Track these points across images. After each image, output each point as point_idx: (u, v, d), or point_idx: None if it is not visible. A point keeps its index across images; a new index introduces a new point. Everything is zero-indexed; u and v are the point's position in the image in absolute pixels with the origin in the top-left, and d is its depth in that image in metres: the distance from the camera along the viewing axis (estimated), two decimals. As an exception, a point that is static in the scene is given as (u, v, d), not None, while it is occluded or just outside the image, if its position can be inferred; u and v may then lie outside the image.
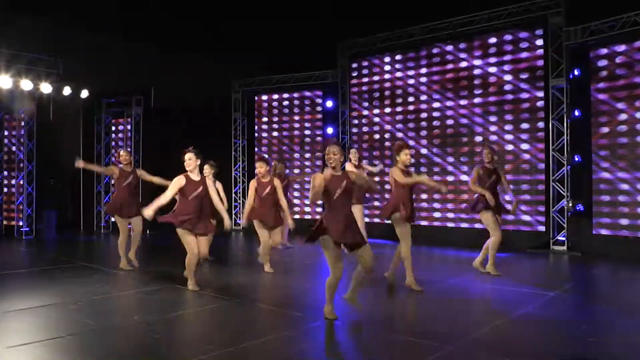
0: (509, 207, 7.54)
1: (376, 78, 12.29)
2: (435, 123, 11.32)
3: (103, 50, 12.58)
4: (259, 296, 6.01)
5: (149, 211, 5.71)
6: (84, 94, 11.71)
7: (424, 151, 11.45)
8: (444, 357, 3.94)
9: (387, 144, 12.00)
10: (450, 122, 11.11)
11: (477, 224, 10.43)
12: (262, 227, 7.31)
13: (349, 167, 8.26)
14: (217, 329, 4.80)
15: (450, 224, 11.08)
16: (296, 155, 13.48)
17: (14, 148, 12.23)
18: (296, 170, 13.41)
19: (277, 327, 4.85)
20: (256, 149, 14.07)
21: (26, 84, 10.55)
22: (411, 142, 11.59)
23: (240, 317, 5.24)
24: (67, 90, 11.29)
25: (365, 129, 12.44)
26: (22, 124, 12.04)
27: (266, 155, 13.70)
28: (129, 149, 8.30)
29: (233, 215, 14.12)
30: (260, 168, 7.27)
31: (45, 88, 10.89)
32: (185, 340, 4.47)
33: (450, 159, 11.07)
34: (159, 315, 5.31)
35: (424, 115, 11.49)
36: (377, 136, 12.19)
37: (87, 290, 6.29)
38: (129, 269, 7.56)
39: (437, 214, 11.25)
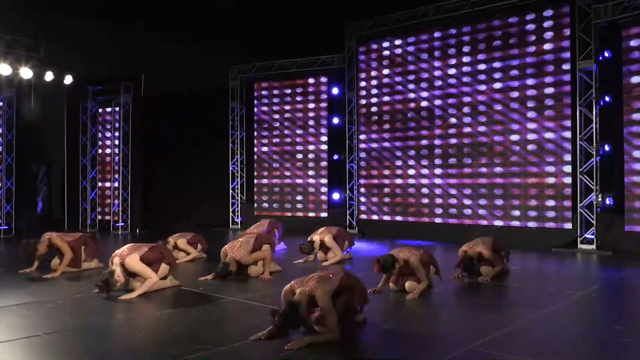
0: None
1: (386, 62, 12.17)
2: (451, 111, 11.18)
3: (88, 33, 12.54)
4: (252, 295, 5.98)
5: None
6: (68, 80, 11.62)
7: (437, 142, 11.32)
8: (466, 356, 3.95)
9: (398, 134, 11.88)
10: (467, 109, 10.97)
11: (497, 220, 10.36)
12: None
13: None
14: (209, 328, 4.74)
15: (467, 221, 10.95)
16: (299, 147, 13.38)
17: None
18: (299, 163, 13.31)
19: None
20: (255, 142, 13.98)
21: (4, 69, 10.46)
22: (424, 132, 11.49)
23: (232, 316, 5.22)
24: (49, 76, 11.19)
25: (374, 118, 12.33)
26: (1, 113, 11.98)
27: (265, 147, 13.64)
28: None
29: (231, 213, 14.05)
30: None
31: (25, 73, 10.79)
32: (174, 340, 4.39)
33: (467, 150, 10.94)
34: (145, 313, 5.29)
35: (438, 102, 11.36)
36: (387, 126, 12.07)
37: (69, 289, 6.27)
38: None
39: (452, 210, 11.13)
